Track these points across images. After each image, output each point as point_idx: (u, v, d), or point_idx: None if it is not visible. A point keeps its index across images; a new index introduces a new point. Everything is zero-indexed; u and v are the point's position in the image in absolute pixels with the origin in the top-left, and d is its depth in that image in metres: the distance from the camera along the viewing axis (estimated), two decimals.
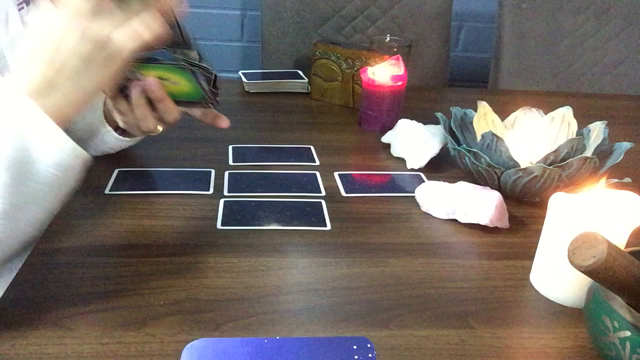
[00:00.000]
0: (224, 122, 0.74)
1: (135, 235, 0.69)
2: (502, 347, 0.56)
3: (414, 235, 0.74)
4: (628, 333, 0.48)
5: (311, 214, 0.76)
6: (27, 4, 0.74)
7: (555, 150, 0.79)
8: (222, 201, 0.77)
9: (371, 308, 0.60)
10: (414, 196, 0.80)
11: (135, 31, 0.51)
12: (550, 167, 0.77)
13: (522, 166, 0.79)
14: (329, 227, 0.74)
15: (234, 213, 0.75)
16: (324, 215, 0.76)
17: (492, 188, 0.78)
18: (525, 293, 0.64)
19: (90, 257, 0.65)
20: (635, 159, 0.89)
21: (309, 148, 0.97)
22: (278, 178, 0.86)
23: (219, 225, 0.72)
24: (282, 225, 0.73)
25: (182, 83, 0.66)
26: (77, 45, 0.50)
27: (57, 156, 0.52)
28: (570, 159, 0.78)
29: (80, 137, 0.81)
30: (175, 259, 0.65)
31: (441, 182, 0.80)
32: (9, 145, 0.49)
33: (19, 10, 0.72)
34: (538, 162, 0.79)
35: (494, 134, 0.80)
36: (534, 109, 0.93)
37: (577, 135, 0.88)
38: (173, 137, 0.98)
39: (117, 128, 0.80)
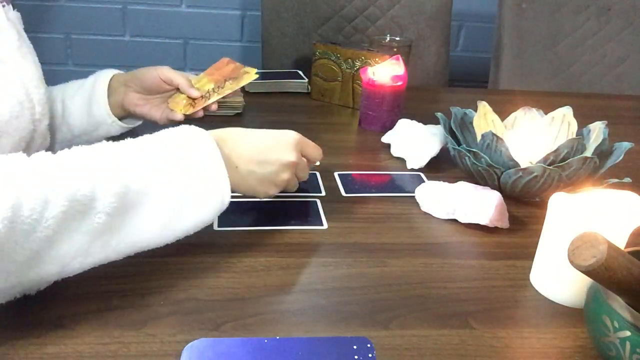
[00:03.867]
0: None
1: None
2: (502, 347, 0.56)
3: (414, 235, 0.74)
4: (628, 333, 0.48)
5: (307, 213, 0.76)
6: (8, 3, 0.76)
7: (555, 150, 0.79)
8: None
9: (371, 308, 0.60)
10: (414, 196, 0.80)
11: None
12: (550, 167, 0.77)
13: (522, 166, 0.79)
14: (325, 225, 0.74)
15: (229, 214, 0.75)
16: (320, 214, 0.76)
17: (492, 188, 0.78)
18: (525, 293, 0.64)
19: None
20: (635, 159, 0.89)
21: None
22: None
23: (215, 227, 0.72)
24: (279, 225, 0.73)
25: None
26: (276, 167, 0.67)
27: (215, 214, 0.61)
28: (570, 159, 0.78)
29: (85, 130, 0.90)
30: (175, 259, 0.65)
31: (441, 182, 0.80)
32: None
33: (2, 7, 0.74)
34: (538, 162, 0.79)
35: (494, 134, 0.80)
36: (534, 109, 0.93)
37: (577, 135, 0.88)
38: None
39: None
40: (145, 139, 0.59)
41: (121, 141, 0.58)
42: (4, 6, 0.75)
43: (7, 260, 0.47)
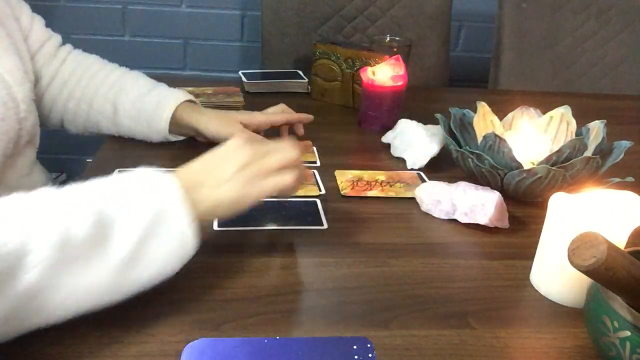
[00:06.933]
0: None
1: None
2: (502, 347, 0.56)
3: (414, 235, 0.74)
4: (628, 333, 0.48)
5: (307, 213, 0.76)
6: None
7: (558, 151, 0.79)
8: None
9: (371, 308, 0.60)
10: (414, 196, 0.80)
11: (275, 184, 0.61)
12: (554, 168, 0.77)
13: (523, 166, 0.78)
14: (325, 225, 0.74)
15: None
16: (319, 214, 0.76)
17: (494, 189, 0.78)
18: (525, 293, 0.64)
19: None
20: (634, 158, 0.89)
21: (311, 149, 0.97)
22: None
23: (215, 227, 0.72)
24: (279, 225, 0.73)
25: None
26: (234, 163, 0.60)
27: (177, 248, 0.55)
28: (574, 159, 0.78)
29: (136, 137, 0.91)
30: None
31: (441, 182, 0.80)
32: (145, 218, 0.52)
33: None
34: (541, 163, 0.78)
35: (496, 135, 0.80)
36: (531, 109, 0.93)
37: (576, 135, 0.88)
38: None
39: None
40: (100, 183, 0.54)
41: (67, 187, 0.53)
42: None
43: None
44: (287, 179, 0.61)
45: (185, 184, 0.56)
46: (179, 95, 0.90)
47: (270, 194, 0.61)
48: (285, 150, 0.63)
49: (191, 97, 0.91)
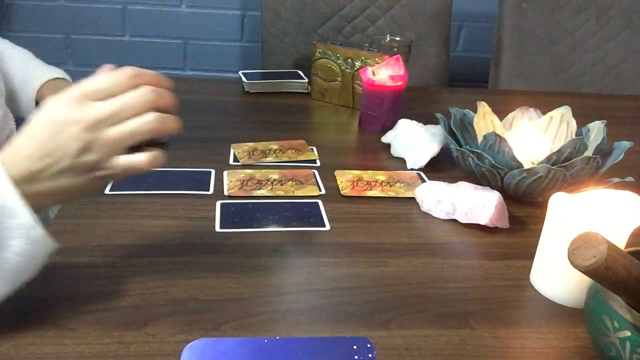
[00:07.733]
0: None
1: (135, 235, 0.69)
2: (502, 347, 0.56)
3: (414, 235, 0.74)
4: (628, 333, 0.48)
5: (309, 214, 0.76)
6: None
7: (558, 151, 0.79)
8: (218, 203, 0.77)
9: (371, 308, 0.60)
10: (413, 196, 0.80)
11: (127, 163, 0.52)
12: (555, 168, 0.77)
13: (523, 166, 0.79)
14: (327, 227, 0.74)
15: (232, 215, 0.75)
16: (322, 216, 0.76)
17: (494, 188, 0.78)
18: (525, 293, 0.64)
19: (90, 257, 0.65)
20: (634, 158, 0.89)
21: (309, 148, 0.97)
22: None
23: (217, 228, 0.72)
24: (281, 227, 0.73)
25: None
26: (71, 145, 0.50)
27: (26, 245, 0.50)
28: (574, 159, 0.78)
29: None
30: (175, 259, 0.65)
31: (441, 182, 0.80)
32: None
33: None
34: (541, 162, 0.78)
35: (497, 135, 0.80)
36: (531, 109, 0.93)
37: (576, 135, 0.88)
38: (173, 137, 0.98)
39: None
40: None
41: None
42: None
43: None
44: (140, 159, 0.52)
45: (16, 175, 0.49)
46: (44, 74, 0.91)
47: (121, 177, 0.53)
48: (135, 105, 0.52)
49: (60, 75, 0.91)
